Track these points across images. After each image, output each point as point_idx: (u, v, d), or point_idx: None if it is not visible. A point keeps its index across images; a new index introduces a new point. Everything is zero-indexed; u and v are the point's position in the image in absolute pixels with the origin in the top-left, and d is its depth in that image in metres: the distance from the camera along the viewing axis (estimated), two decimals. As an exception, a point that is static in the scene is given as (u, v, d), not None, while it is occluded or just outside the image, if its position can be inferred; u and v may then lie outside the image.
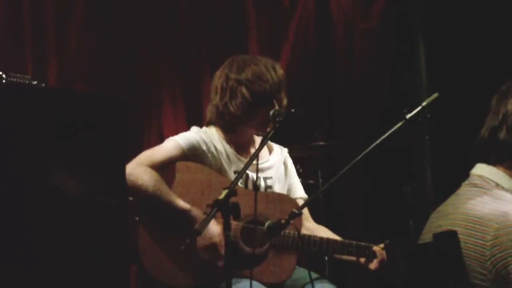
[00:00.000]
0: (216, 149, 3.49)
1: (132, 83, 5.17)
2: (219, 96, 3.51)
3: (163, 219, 3.31)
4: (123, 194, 2.75)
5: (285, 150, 3.73)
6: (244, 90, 3.45)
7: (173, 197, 3.30)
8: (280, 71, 3.52)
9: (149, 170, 3.30)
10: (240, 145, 3.56)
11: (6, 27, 4.74)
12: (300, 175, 4.20)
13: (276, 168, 3.62)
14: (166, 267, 3.29)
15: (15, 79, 2.56)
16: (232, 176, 3.45)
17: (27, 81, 2.59)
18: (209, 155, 3.47)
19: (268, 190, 3.53)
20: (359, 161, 2.83)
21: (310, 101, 5.61)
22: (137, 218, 3.32)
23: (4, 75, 2.53)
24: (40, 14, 4.89)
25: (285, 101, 3.52)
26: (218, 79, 3.55)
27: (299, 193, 3.68)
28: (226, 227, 2.71)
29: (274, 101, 3.45)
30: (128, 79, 5.16)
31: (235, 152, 3.52)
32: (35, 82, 2.62)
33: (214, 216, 2.76)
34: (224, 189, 2.74)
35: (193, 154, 3.44)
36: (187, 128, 3.65)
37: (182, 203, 3.30)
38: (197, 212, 3.29)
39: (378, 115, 5.42)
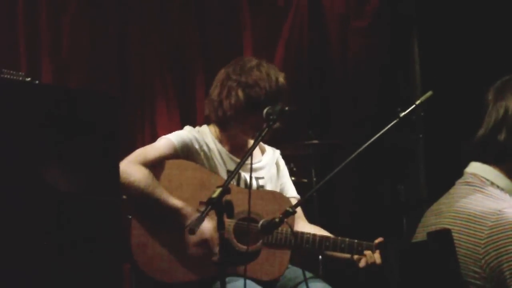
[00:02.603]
0: (209, 148, 3.49)
1: (126, 82, 5.17)
2: (217, 91, 3.53)
3: (155, 216, 3.32)
4: (117, 192, 2.75)
5: (278, 151, 3.74)
6: (240, 92, 3.46)
7: (165, 195, 3.30)
8: (281, 82, 3.52)
9: (141, 167, 3.31)
10: (233, 145, 3.57)
11: (-1, 25, 4.74)
12: (293, 173, 4.20)
13: (268, 169, 3.63)
14: (160, 264, 3.29)
15: (8, 76, 2.56)
16: (225, 175, 3.46)
17: (20, 78, 2.59)
18: (202, 153, 3.48)
19: (260, 189, 3.54)
20: (353, 160, 2.82)
21: (304, 99, 5.61)
22: (130, 216, 3.33)
23: (-3, 72, 2.53)
24: (33, 10, 4.88)
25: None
26: (220, 75, 3.57)
27: (291, 193, 3.68)
28: (220, 226, 2.71)
29: None
30: (121, 77, 5.16)
31: (227, 152, 3.53)
32: (28, 79, 2.62)
33: (207, 215, 2.76)
34: (218, 187, 2.74)
35: (186, 152, 3.45)
36: (180, 127, 3.66)
37: (174, 201, 3.30)
38: (188, 210, 3.30)
39: (372, 113, 5.42)
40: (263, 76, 3.48)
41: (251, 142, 3.64)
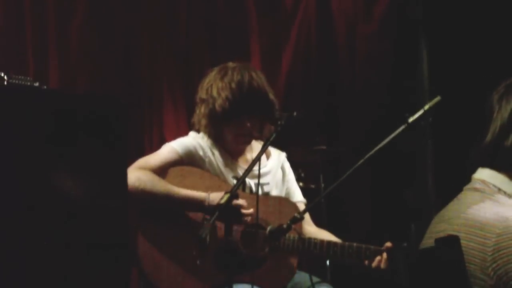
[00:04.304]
0: (213, 154, 3.49)
1: (134, 86, 5.17)
2: (195, 111, 3.56)
3: (164, 220, 3.31)
4: (125, 197, 2.75)
5: (283, 154, 3.73)
6: (203, 109, 3.51)
7: (175, 188, 3.31)
8: (249, 86, 3.48)
9: (145, 171, 3.32)
10: (235, 151, 3.57)
11: (7, 27, 4.75)
12: (301, 179, 4.19)
13: (274, 174, 3.62)
14: (166, 273, 3.29)
15: (16, 81, 2.56)
16: (230, 181, 3.46)
17: (28, 83, 2.59)
18: (206, 160, 3.47)
19: (266, 195, 3.53)
20: (361, 166, 2.82)
21: (312, 104, 5.60)
22: (136, 224, 3.33)
23: (5, 77, 2.53)
24: (41, 15, 4.90)
25: (275, 108, 3.49)
26: (196, 94, 3.60)
27: (297, 197, 3.67)
28: (227, 232, 2.71)
29: (244, 116, 3.45)
30: (129, 82, 5.16)
31: (231, 158, 3.53)
32: (36, 84, 2.62)
33: (215, 221, 2.76)
34: (226, 193, 2.74)
35: (190, 159, 3.45)
36: (188, 130, 3.66)
37: (183, 191, 3.30)
38: (200, 193, 3.29)
39: (380, 118, 5.41)
40: (225, 86, 3.47)
41: (256, 144, 3.64)
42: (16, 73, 2.62)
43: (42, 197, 2.40)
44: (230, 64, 3.59)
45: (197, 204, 3.29)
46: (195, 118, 3.58)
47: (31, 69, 4.76)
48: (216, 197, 3.17)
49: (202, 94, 3.54)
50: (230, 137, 3.51)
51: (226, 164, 3.51)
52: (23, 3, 4.83)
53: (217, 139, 3.54)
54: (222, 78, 3.49)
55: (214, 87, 3.48)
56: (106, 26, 5.13)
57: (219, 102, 3.44)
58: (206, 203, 3.27)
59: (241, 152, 3.59)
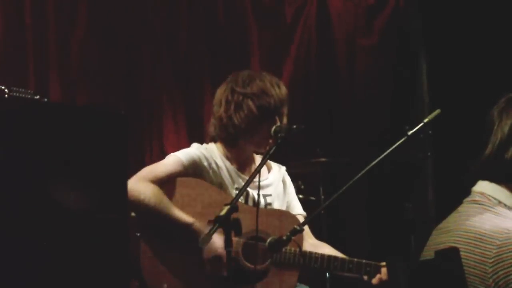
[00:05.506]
0: (217, 165, 3.49)
1: (134, 98, 5.18)
2: (223, 109, 3.51)
3: (165, 234, 3.31)
4: (124, 209, 2.75)
5: (283, 168, 3.74)
6: (250, 103, 3.45)
7: (175, 211, 3.30)
8: (284, 89, 3.54)
9: (150, 185, 3.31)
10: (241, 162, 3.57)
11: (8, 42, 4.76)
12: (301, 191, 4.19)
13: (275, 186, 3.62)
14: (168, 283, 3.28)
15: (17, 94, 2.57)
16: (233, 193, 3.46)
17: (29, 96, 2.60)
18: (210, 171, 3.47)
19: (268, 207, 3.53)
20: (361, 178, 2.82)
21: (312, 117, 5.61)
22: (138, 234, 3.33)
23: (6, 90, 2.53)
24: (42, 28, 4.91)
25: (285, 119, 3.53)
26: (222, 93, 3.56)
27: (298, 210, 3.67)
28: (227, 244, 2.70)
29: (277, 117, 3.46)
30: (129, 95, 5.17)
31: (235, 169, 3.53)
32: (37, 97, 2.63)
33: (215, 232, 2.76)
34: (226, 205, 2.74)
35: (194, 170, 3.44)
36: (188, 143, 3.66)
37: (184, 217, 3.30)
38: (199, 225, 3.29)
39: (380, 131, 5.42)
40: (267, 85, 3.49)
41: (258, 158, 3.64)
42: (17, 86, 2.62)
43: (42, 209, 2.40)
44: (245, 71, 3.61)
45: (191, 234, 3.29)
46: (225, 114, 3.51)
47: (31, 82, 4.77)
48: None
49: (237, 89, 3.50)
50: (256, 140, 3.50)
51: (230, 176, 3.51)
52: (24, 16, 4.84)
53: (231, 146, 3.53)
54: (260, 78, 3.51)
55: (254, 85, 3.48)
56: (107, 39, 5.15)
57: (264, 97, 3.44)
58: (200, 237, 3.27)
59: (246, 163, 3.58)
